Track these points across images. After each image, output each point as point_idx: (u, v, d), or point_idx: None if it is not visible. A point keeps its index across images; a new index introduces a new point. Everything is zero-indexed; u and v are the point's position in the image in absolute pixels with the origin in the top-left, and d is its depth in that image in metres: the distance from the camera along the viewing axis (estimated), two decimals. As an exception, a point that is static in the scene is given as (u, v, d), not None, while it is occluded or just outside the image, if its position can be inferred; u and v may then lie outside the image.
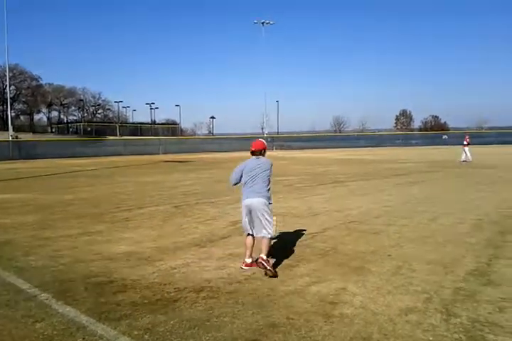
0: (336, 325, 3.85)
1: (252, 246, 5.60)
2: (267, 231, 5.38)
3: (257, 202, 5.39)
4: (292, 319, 3.98)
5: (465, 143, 26.06)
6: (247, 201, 5.47)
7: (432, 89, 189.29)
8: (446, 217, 8.65)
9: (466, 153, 25.49)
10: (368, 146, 54.98)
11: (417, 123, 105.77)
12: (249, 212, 5.46)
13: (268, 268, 5.16)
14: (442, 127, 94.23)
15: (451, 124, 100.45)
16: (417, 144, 57.42)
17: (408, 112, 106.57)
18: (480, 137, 58.91)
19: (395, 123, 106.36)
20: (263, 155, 5.64)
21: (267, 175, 5.51)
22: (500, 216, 8.69)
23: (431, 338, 3.57)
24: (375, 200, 11.10)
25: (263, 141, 5.87)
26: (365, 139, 63.70)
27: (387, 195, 11.98)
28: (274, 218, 5.61)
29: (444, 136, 63.81)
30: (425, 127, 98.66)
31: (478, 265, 5.55)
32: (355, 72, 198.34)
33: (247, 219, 5.52)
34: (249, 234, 5.61)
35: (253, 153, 5.62)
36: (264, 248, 5.35)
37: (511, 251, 6.16)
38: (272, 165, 5.61)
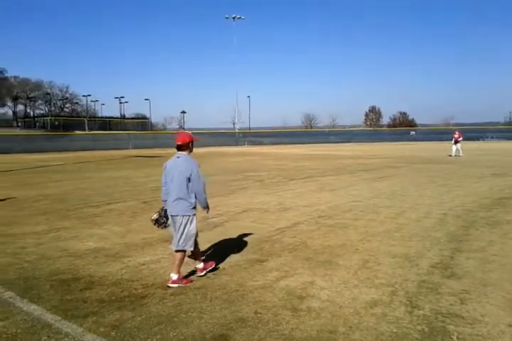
0: (303, 318, 3.90)
1: (180, 259, 4.92)
2: (180, 244, 4.85)
3: (175, 214, 4.85)
4: (260, 313, 4.01)
5: (456, 137, 26.86)
6: (168, 211, 4.95)
7: (401, 86, 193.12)
8: (412, 212, 8.85)
9: (458, 148, 26.50)
10: (338, 142, 55.58)
11: (385, 120, 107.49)
12: (173, 222, 4.93)
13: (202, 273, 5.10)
14: (410, 123, 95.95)
15: (418, 121, 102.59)
16: (385, 140, 58.28)
17: (377, 108, 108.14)
18: (447, 133, 60.40)
19: (365, 119, 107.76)
20: (191, 150, 4.98)
21: (183, 180, 4.75)
22: (463, 210, 8.94)
23: (395, 330, 3.66)
24: (344, 195, 11.25)
25: (188, 132, 5.31)
26: (336, 135, 64.30)
27: (356, 190, 12.16)
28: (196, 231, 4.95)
29: (412, 132, 65.15)
30: (394, 123, 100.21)
31: (441, 258, 5.70)
32: (326, 67, 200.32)
33: (172, 230, 4.98)
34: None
35: (178, 148, 4.93)
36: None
37: (473, 245, 6.35)
38: (195, 166, 4.80)
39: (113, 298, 4.44)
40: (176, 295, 4.48)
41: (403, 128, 77.37)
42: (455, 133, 27.36)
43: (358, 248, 6.24)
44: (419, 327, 3.71)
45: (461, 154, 26.27)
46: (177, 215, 4.82)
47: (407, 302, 4.24)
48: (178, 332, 3.65)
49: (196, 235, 4.96)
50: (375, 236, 6.92)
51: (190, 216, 4.84)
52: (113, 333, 3.65)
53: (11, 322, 3.90)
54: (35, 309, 4.19)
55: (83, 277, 5.10)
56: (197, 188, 4.78)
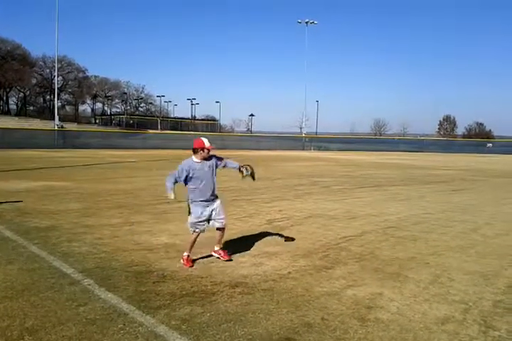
0: (371, 328, 3.84)
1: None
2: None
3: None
4: (327, 320, 4.00)
5: None
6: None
7: (479, 95, 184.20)
8: (488, 228, 8.42)
9: None
10: (408, 151, 54.00)
11: (460, 130, 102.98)
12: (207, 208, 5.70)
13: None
14: (487, 135, 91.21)
15: (496, 132, 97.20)
16: (460, 151, 55.81)
17: (452, 118, 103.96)
18: (527, 147, 56.97)
19: (438, 128, 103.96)
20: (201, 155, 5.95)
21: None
22: (545, 230, 8.39)
23: (468, 349, 3.52)
24: (414, 206, 10.91)
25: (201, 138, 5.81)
26: (406, 143, 62.52)
27: (428, 202, 11.75)
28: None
29: (489, 144, 61.96)
30: (469, 134, 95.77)
31: (520, 279, 5.39)
32: (397, 74, 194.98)
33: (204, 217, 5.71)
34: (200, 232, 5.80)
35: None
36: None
37: (556, 267, 5.95)
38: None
39: (184, 292, 4.60)
40: (243, 295, 4.56)
41: (479, 139, 73.70)
42: None
43: (429, 262, 6.03)
44: (494, 349, 3.54)
45: None
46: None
47: (482, 322, 4.05)
48: (246, 331, 3.72)
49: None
50: (447, 250, 6.66)
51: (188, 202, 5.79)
52: (184, 327, 3.78)
53: (90, 308, 4.15)
54: (111, 298, 4.42)
55: (156, 270, 5.32)
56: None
